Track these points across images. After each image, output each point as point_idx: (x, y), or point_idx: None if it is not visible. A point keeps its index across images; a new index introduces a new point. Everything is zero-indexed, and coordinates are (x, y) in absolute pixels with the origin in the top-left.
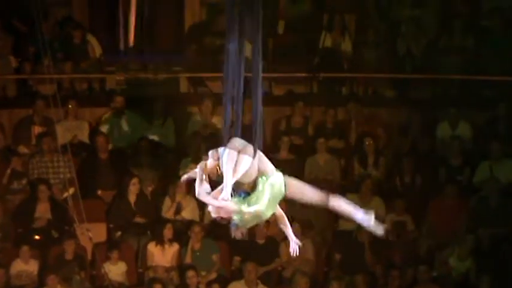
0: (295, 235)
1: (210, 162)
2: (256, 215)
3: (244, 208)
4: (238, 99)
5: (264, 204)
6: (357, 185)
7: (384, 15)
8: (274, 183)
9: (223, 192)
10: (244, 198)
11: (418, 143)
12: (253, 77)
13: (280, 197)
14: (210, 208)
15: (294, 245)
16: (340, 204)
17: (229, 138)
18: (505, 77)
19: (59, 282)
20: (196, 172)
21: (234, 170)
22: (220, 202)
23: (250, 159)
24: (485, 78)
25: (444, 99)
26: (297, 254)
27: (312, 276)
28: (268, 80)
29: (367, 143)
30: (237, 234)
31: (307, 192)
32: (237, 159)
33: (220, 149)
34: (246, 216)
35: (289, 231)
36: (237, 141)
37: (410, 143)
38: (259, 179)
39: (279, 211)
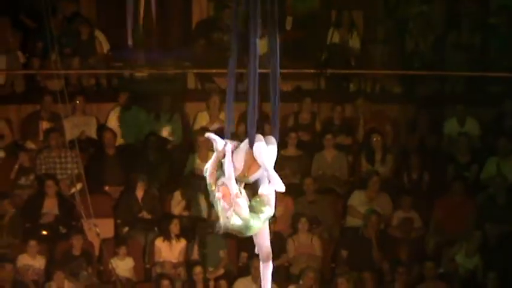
0: (302, 231)
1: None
2: (235, 229)
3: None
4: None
5: (252, 226)
6: (364, 181)
7: (392, 12)
8: (266, 219)
9: (277, 184)
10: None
11: (425, 140)
12: (272, 71)
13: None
14: (219, 190)
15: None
16: (265, 274)
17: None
18: None
19: (66, 278)
20: (226, 150)
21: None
22: (235, 196)
23: (276, 147)
24: (493, 75)
25: (452, 96)
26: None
27: (319, 272)
28: None
29: (374, 139)
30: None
31: (263, 240)
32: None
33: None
34: (229, 224)
35: None
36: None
37: (418, 140)
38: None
39: None
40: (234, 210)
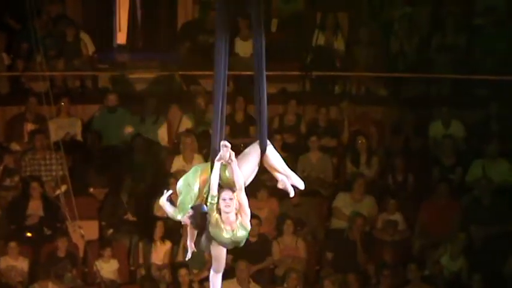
0: (287, 233)
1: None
2: (238, 240)
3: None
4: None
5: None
6: (349, 183)
7: (377, 14)
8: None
9: (297, 182)
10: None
11: (410, 142)
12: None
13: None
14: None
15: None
16: (217, 282)
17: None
18: (498, 76)
19: (51, 280)
20: (233, 160)
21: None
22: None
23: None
24: (478, 78)
25: (437, 98)
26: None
27: (303, 274)
28: None
29: (359, 141)
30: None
31: (224, 252)
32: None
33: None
34: (233, 237)
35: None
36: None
37: (402, 142)
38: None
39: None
40: (240, 222)
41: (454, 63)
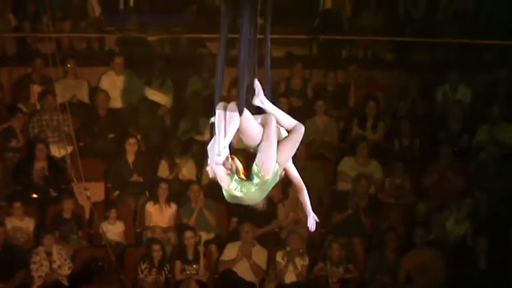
0: (293, 197)
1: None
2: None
3: (233, 189)
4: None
5: (251, 196)
6: (355, 147)
7: None
8: (268, 181)
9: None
10: (237, 181)
11: (417, 107)
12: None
13: (271, 186)
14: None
15: (312, 220)
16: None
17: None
18: (505, 41)
19: (56, 241)
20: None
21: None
22: (214, 165)
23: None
24: (485, 42)
25: (444, 63)
26: (314, 229)
27: (309, 237)
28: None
29: (369, 105)
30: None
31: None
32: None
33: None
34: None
35: (306, 203)
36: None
37: (409, 107)
38: (255, 170)
39: (299, 183)
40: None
41: (461, 27)
